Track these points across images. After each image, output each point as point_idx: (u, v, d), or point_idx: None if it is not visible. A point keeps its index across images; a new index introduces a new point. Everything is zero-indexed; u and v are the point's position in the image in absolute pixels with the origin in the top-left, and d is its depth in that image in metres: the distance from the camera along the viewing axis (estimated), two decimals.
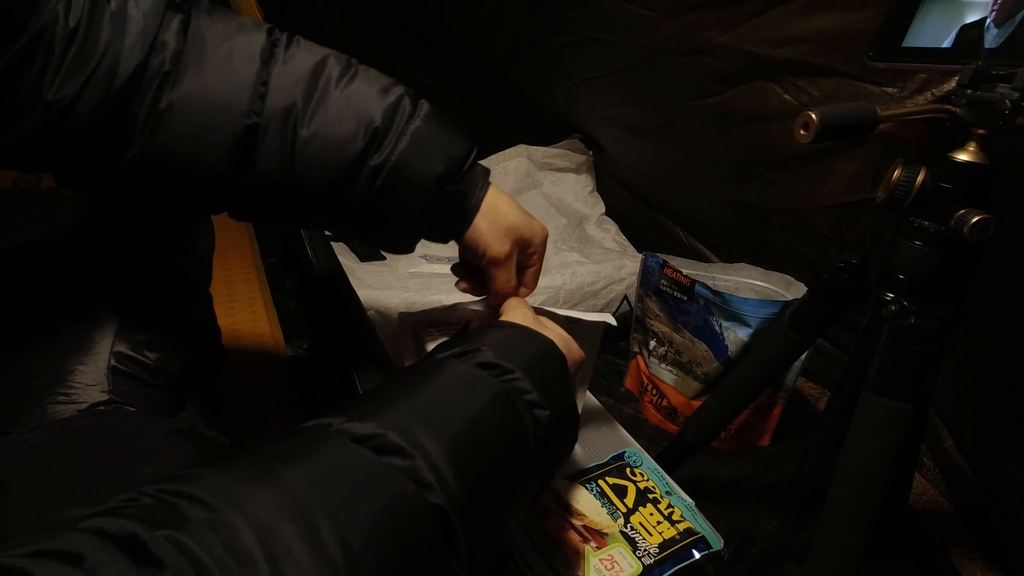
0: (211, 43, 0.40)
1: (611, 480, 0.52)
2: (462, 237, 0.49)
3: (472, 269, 0.53)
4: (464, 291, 0.54)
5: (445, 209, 0.47)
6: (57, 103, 0.36)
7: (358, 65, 0.45)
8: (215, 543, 0.22)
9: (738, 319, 0.79)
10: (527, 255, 0.51)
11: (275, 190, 0.43)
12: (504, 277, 0.50)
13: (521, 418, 0.36)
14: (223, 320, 0.67)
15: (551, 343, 0.42)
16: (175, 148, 0.40)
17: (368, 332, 0.70)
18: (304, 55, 0.43)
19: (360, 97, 0.43)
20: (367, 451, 0.29)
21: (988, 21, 0.43)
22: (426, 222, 0.47)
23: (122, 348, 0.49)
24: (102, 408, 0.47)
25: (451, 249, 0.52)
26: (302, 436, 0.29)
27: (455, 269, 0.54)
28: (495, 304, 0.52)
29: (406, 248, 0.51)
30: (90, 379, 0.47)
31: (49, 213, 0.54)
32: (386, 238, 0.50)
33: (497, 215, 0.49)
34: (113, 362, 0.48)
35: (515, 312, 0.47)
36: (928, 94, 0.58)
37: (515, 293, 0.51)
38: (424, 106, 0.46)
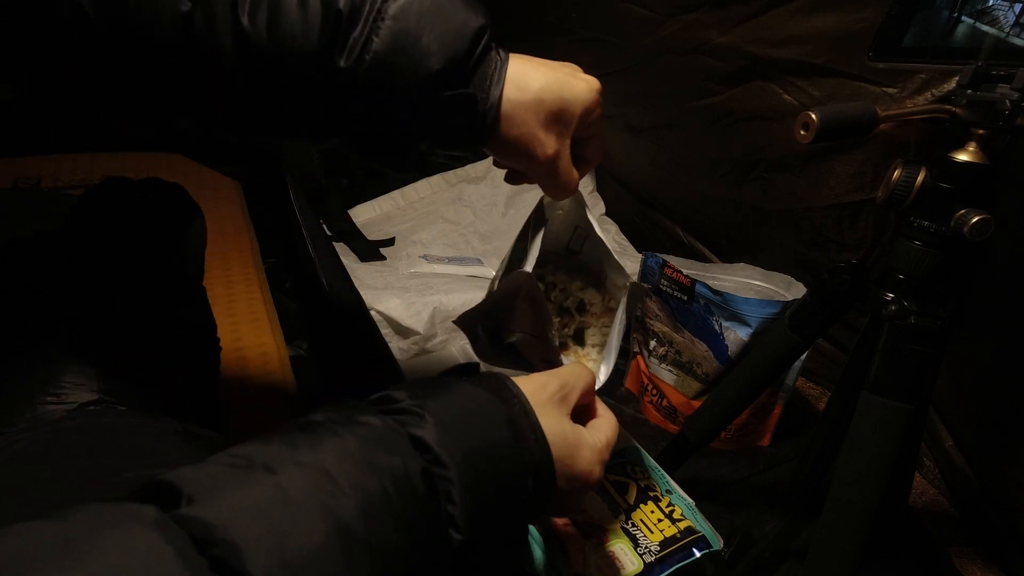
0: None
1: (612, 477, 0.52)
2: (487, 145, 0.38)
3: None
4: (516, 184, 0.44)
5: (449, 119, 0.35)
6: None
7: None
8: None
9: (738, 319, 0.79)
10: (587, 125, 0.38)
11: (244, 79, 0.33)
12: (557, 181, 0.39)
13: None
14: (223, 320, 0.67)
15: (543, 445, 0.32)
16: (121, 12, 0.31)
17: (372, 329, 0.70)
18: None
19: None
20: None
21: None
22: (426, 135, 0.36)
23: (113, 347, 0.49)
24: (92, 407, 0.46)
25: (451, 249, 0.51)
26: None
27: (497, 163, 0.43)
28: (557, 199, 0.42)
29: (408, 167, 0.42)
30: (80, 379, 0.47)
31: (46, 212, 0.54)
32: (381, 156, 0.39)
33: (528, 108, 0.36)
34: (104, 361, 0.48)
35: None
36: (928, 94, 0.58)
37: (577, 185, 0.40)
38: None
